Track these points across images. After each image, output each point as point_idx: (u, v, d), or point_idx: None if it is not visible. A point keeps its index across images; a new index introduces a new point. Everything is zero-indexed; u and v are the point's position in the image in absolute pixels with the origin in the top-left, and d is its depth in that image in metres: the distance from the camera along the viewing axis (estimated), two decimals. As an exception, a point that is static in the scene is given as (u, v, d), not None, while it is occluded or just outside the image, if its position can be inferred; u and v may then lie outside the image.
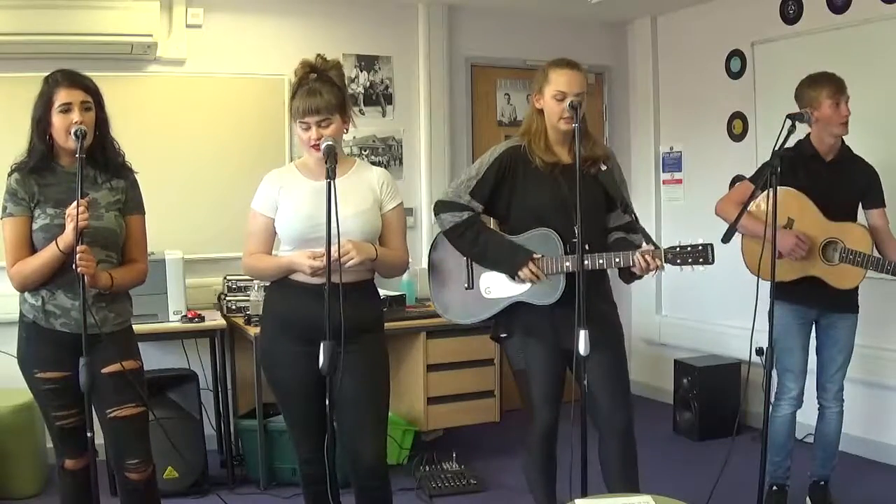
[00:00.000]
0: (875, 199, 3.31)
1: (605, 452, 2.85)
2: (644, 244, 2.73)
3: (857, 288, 3.35)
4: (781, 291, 3.08)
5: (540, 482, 2.94)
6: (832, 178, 3.27)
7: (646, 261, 2.63)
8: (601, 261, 2.68)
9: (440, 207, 2.89)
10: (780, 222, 3.22)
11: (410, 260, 4.61)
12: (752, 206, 3.40)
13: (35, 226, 2.53)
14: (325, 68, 2.65)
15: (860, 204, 3.35)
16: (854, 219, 3.30)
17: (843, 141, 3.34)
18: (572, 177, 2.62)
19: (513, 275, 2.79)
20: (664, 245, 2.70)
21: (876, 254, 3.21)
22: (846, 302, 3.34)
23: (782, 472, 3.45)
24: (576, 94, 2.71)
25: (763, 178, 3.20)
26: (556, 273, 2.74)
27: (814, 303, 3.31)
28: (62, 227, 2.47)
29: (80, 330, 2.40)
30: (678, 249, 2.65)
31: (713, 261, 2.63)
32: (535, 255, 2.76)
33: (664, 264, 2.66)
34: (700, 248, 2.63)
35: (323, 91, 2.58)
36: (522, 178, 2.82)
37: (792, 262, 3.23)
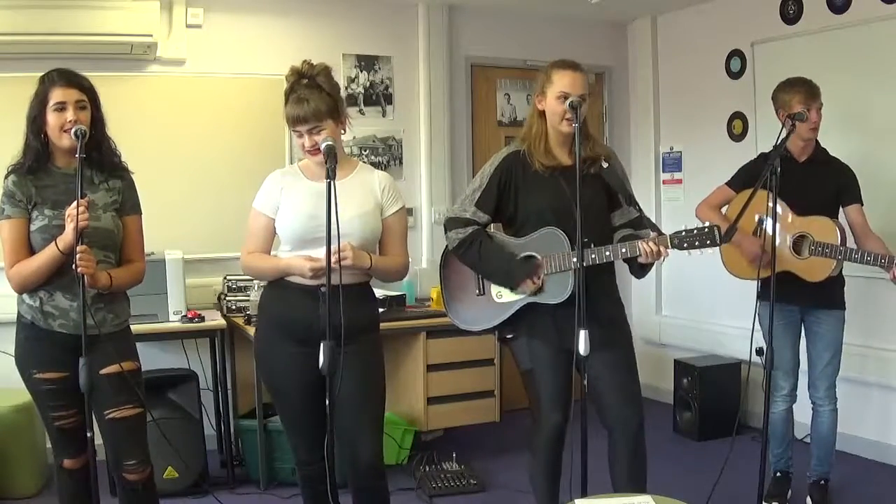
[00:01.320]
0: (850, 196, 3.37)
1: (614, 453, 2.84)
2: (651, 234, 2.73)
3: (840, 284, 3.40)
4: (767, 290, 3.11)
5: (544, 485, 2.93)
6: (805, 178, 3.33)
7: (649, 247, 2.62)
8: (607, 252, 2.68)
9: (448, 225, 2.93)
10: (752, 224, 3.36)
11: (410, 260, 4.64)
12: (724, 209, 3.54)
13: (32, 227, 2.53)
14: (313, 74, 2.63)
15: (839, 202, 3.40)
16: (830, 216, 3.32)
17: (817, 142, 3.41)
18: (573, 178, 2.61)
19: (513, 289, 2.82)
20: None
21: (851, 244, 3.28)
22: (829, 298, 3.38)
23: (784, 461, 3.56)
24: (578, 95, 2.70)
25: (741, 182, 3.42)
26: (563, 270, 2.74)
27: (797, 300, 3.36)
28: (60, 228, 2.47)
29: (79, 331, 2.40)
30: (683, 233, 2.63)
31: (720, 242, 2.61)
32: (537, 261, 2.76)
33: (670, 249, 2.64)
34: (706, 230, 2.60)
35: (310, 99, 2.57)
36: (524, 182, 2.83)
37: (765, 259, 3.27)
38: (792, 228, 3.30)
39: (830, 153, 3.45)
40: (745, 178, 3.41)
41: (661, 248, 2.62)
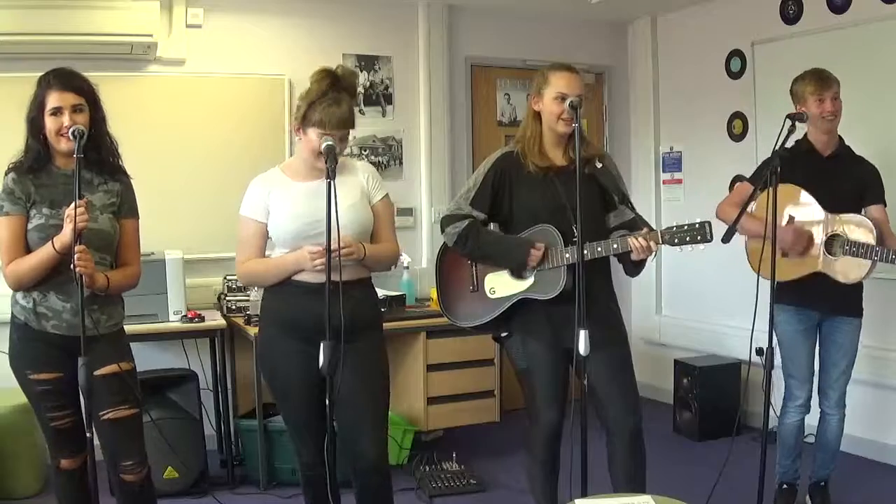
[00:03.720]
0: (874, 195, 3.28)
1: (613, 454, 2.84)
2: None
3: (860, 290, 3.33)
4: (783, 294, 3.06)
5: (542, 484, 2.93)
6: (831, 172, 3.26)
7: (639, 242, 2.62)
8: (599, 248, 2.69)
9: (444, 223, 2.93)
10: (780, 221, 3.19)
11: (410, 260, 4.65)
12: (750, 207, 3.39)
13: (30, 226, 2.53)
14: (345, 77, 2.67)
15: (862, 200, 3.29)
16: (856, 212, 3.23)
17: (841, 139, 3.35)
18: (567, 178, 2.63)
19: (522, 266, 2.80)
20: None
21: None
22: (850, 304, 3.31)
23: (792, 472, 3.48)
24: (576, 96, 2.72)
25: (762, 178, 3.18)
26: (557, 266, 2.75)
27: (817, 304, 3.28)
28: (56, 228, 2.47)
29: (72, 332, 2.41)
30: (675, 229, 2.64)
31: (711, 238, 2.60)
32: (536, 244, 2.76)
33: (661, 245, 2.64)
34: (697, 225, 2.60)
35: (343, 103, 2.59)
36: (517, 183, 2.84)
37: (796, 259, 3.20)
38: (825, 227, 3.19)
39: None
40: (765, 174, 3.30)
41: (651, 244, 2.63)
